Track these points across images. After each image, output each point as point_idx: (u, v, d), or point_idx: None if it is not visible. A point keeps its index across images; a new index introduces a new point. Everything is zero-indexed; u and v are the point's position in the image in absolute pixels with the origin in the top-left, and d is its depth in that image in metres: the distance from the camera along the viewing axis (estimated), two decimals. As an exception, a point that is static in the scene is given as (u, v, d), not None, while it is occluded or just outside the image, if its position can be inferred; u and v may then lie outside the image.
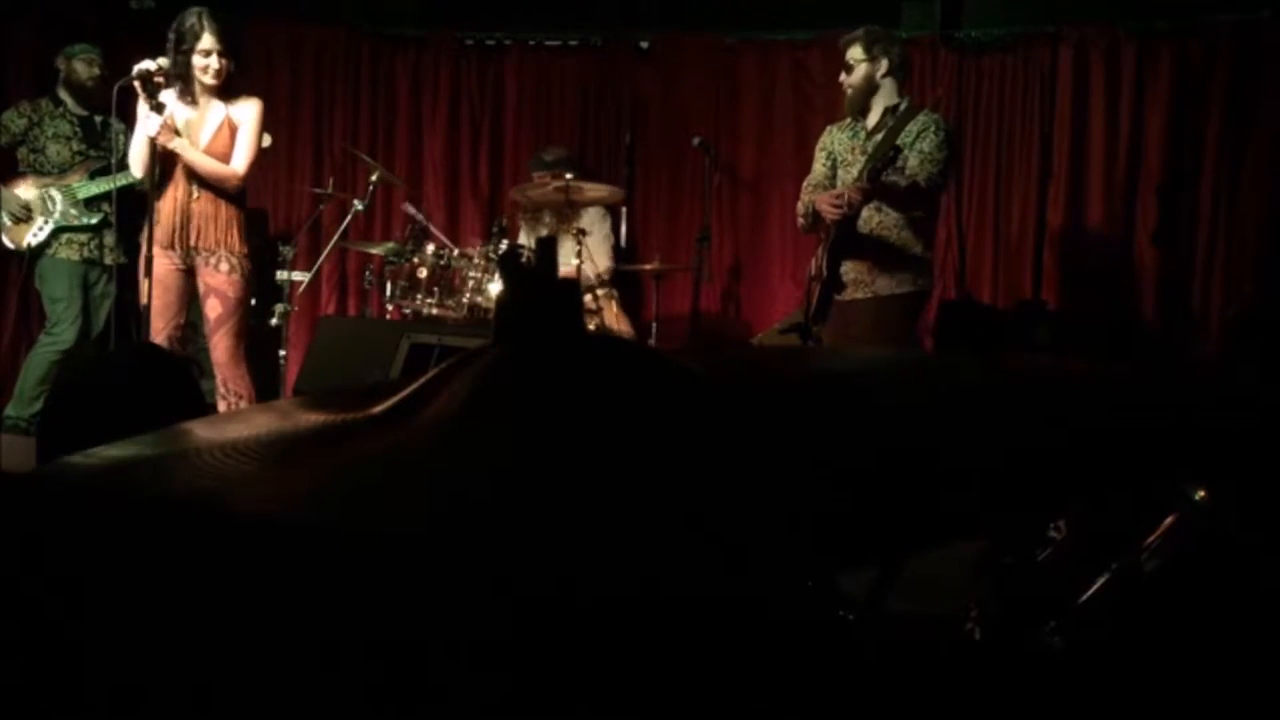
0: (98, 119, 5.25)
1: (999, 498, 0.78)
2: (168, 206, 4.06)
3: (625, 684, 0.63)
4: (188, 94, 4.07)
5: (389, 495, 0.76)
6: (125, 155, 5.11)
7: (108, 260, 5.14)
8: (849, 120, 4.32)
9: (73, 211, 5.10)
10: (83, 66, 5.18)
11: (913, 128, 4.04)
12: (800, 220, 4.36)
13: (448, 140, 6.30)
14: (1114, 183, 5.38)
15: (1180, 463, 0.88)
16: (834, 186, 4.23)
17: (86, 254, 5.14)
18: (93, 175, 5.15)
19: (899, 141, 3.99)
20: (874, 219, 4.08)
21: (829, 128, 4.43)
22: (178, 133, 4.02)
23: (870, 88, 4.19)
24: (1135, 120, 5.35)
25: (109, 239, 5.12)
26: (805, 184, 4.40)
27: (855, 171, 4.15)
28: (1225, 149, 5.20)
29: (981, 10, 5.68)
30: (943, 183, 4.16)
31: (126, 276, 5.01)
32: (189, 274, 4.12)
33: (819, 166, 4.37)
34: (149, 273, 3.91)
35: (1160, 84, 5.31)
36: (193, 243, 4.06)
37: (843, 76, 4.26)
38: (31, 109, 5.20)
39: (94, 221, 5.12)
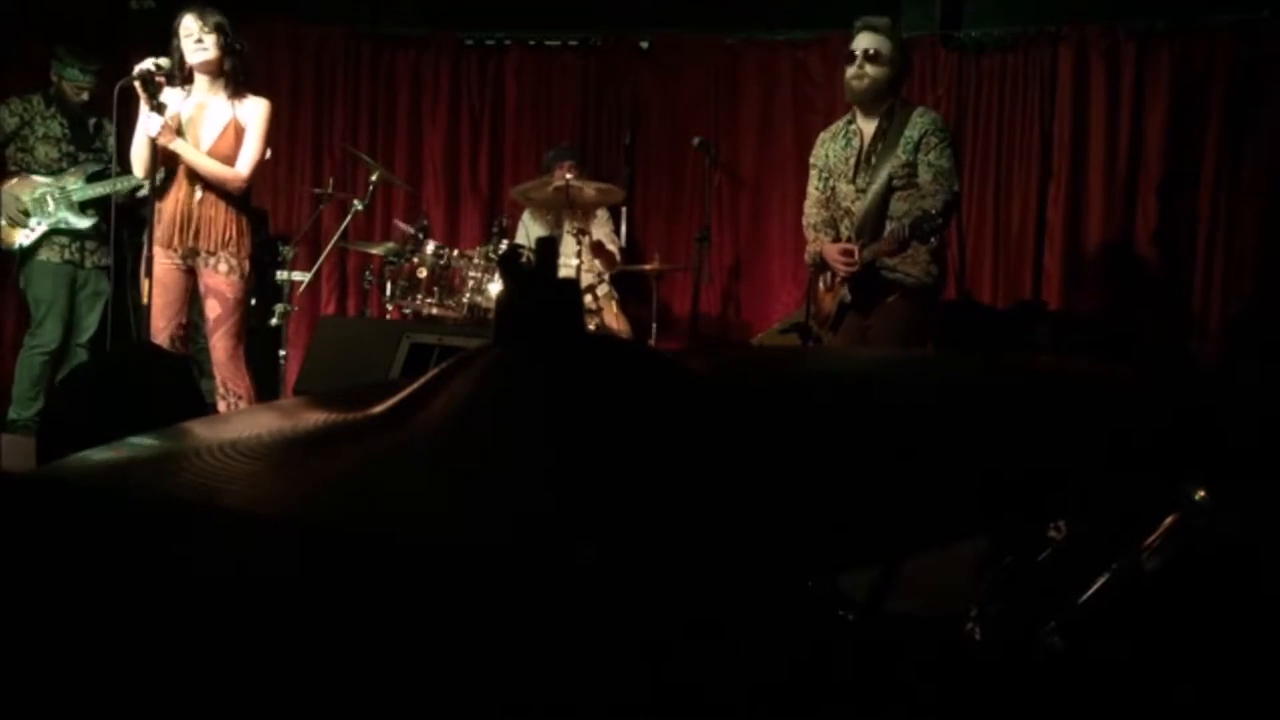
0: (90, 120, 5.24)
1: (999, 498, 0.78)
2: (170, 206, 4.06)
3: (627, 683, 0.63)
4: (187, 84, 4.07)
5: (389, 495, 0.76)
6: (115, 158, 5.14)
7: (88, 264, 5.15)
8: (840, 127, 4.11)
9: (68, 215, 5.09)
10: (71, 89, 5.19)
11: (912, 133, 3.90)
12: (809, 268, 4.24)
13: (448, 140, 6.30)
14: (1114, 183, 5.38)
15: (1180, 462, 0.88)
16: (830, 202, 4.10)
17: (68, 256, 5.13)
18: (89, 178, 5.14)
19: (900, 145, 3.88)
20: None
21: (820, 137, 4.23)
22: (180, 133, 4.02)
23: (894, 80, 3.93)
24: (1135, 120, 5.35)
25: (91, 243, 5.13)
26: (805, 216, 4.20)
27: (850, 184, 4.01)
28: (1225, 149, 5.19)
29: (981, 10, 5.68)
30: (958, 191, 3.98)
31: (125, 276, 5.01)
32: (190, 274, 4.13)
33: (814, 191, 4.17)
34: (149, 272, 3.91)
35: (1160, 84, 5.30)
36: (195, 243, 4.07)
37: (861, 67, 3.91)
38: (23, 107, 5.17)
39: (86, 226, 5.11)
